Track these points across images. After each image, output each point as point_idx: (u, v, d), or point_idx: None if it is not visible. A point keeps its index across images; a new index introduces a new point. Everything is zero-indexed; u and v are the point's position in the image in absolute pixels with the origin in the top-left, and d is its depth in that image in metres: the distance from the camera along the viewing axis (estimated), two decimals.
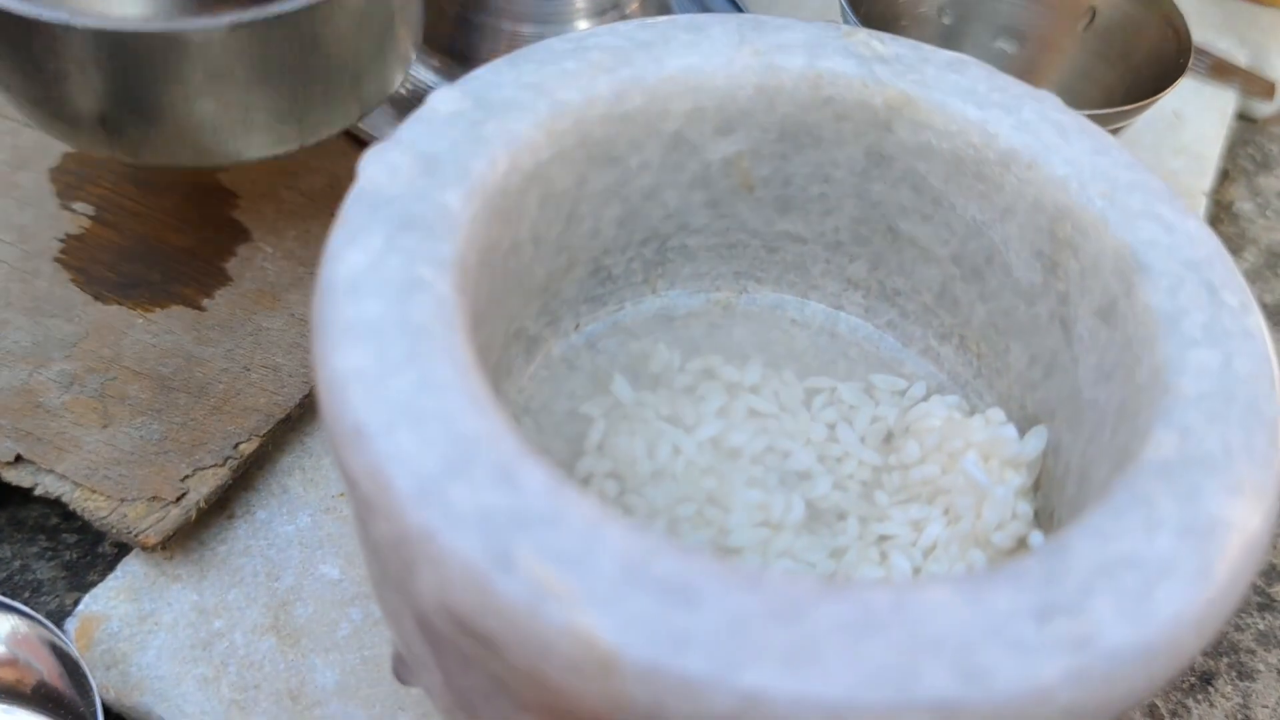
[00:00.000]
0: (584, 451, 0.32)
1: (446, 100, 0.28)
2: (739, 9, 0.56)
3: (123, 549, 0.38)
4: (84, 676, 0.32)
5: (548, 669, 0.19)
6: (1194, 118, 0.59)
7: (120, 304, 0.42)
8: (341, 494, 0.39)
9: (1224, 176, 0.60)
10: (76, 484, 0.36)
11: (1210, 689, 0.39)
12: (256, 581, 0.36)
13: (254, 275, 0.43)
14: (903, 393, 0.34)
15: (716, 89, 0.31)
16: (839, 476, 0.32)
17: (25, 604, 0.34)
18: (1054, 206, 0.29)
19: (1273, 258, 0.56)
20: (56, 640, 0.33)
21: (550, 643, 0.19)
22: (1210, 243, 0.28)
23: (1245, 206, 0.59)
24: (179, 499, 0.36)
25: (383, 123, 0.44)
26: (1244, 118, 0.62)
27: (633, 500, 0.31)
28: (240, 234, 0.45)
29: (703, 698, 0.19)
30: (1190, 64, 0.44)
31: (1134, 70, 0.47)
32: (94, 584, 0.37)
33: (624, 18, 0.49)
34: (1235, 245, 0.57)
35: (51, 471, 0.37)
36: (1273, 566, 0.43)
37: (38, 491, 0.37)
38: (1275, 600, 0.42)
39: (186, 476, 0.37)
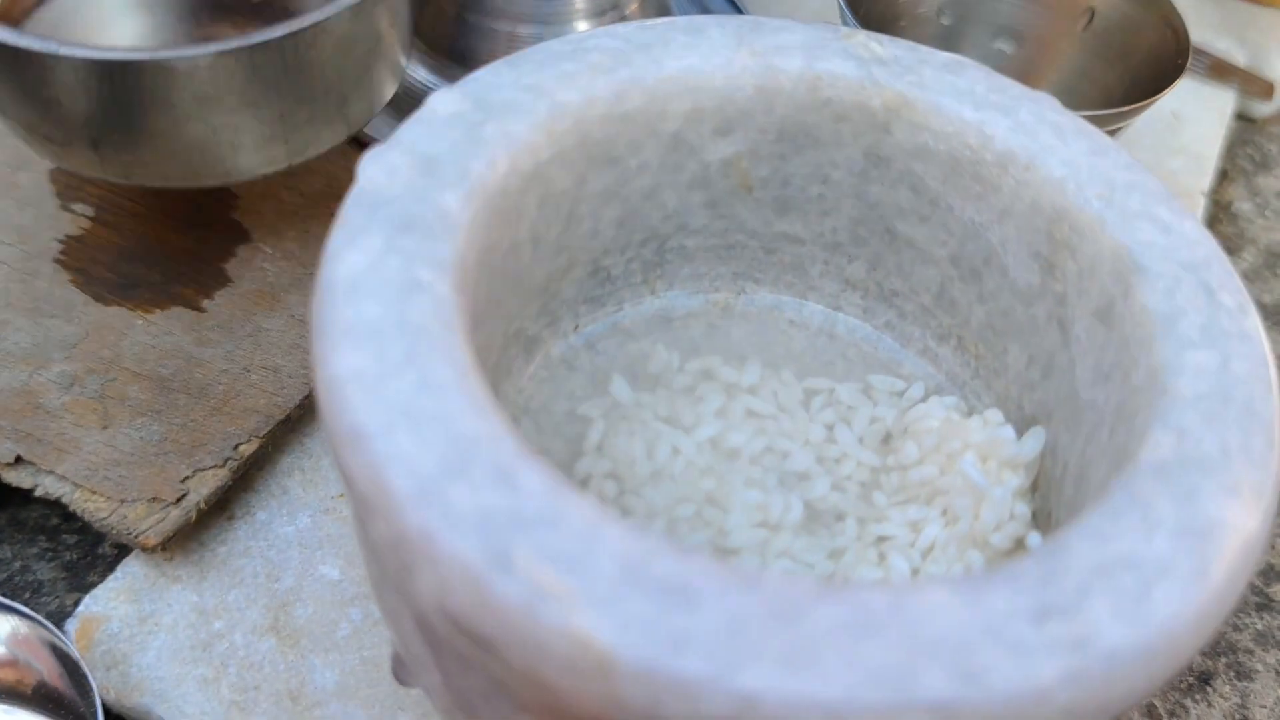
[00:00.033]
0: (583, 452, 0.32)
1: (446, 102, 0.28)
2: (738, 10, 0.56)
3: (123, 550, 0.38)
4: (84, 677, 0.32)
5: (546, 670, 0.19)
6: (1193, 118, 0.59)
7: (120, 305, 0.42)
8: (341, 495, 0.39)
9: (1223, 176, 0.60)
10: (76, 485, 0.37)
11: (1208, 689, 0.39)
12: (256, 582, 0.37)
13: (253, 276, 0.43)
14: (901, 394, 0.34)
15: (715, 90, 0.31)
16: (837, 477, 0.32)
17: (25, 605, 0.34)
18: (1051, 208, 0.29)
19: (1271, 258, 0.56)
20: (57, 641, 0.33)
21: (548, 644, 0.19)
22: (1208, 244, 0.28)
23: (1244, 206, 0.59)
24: (179, 500, 0.36)
25: (382, 124, 0.44)
26: (1243, 118, 0.62)
27: (631, 501, 0.31)
28: (240, 235, 0.45)
29: (701, 699, 0.19)
30: (1189, 64, 0.44)
31: (1132, 71, 0.47)
32: (94, 585, 0.37)
33: (623, 19, 0.49)
34: (1234, 245, 0.57)
35: (52, 473, 0.37)
36: (1270, 567, 0.44)
37: (38, 493, 0.37)
38: (1273, 600, 0.42)
39: (186, 478, 0.37)
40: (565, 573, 0.20)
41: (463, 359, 0.23)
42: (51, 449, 0.37)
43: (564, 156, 0.30)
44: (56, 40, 0.35)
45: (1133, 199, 0.28)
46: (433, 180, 0.26)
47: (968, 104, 0.30)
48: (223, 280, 0.43)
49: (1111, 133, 0.44)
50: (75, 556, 0.38)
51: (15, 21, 0.42)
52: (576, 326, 0.35)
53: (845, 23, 0.45)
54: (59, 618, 0.36)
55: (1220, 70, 0.61)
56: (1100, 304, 0.28)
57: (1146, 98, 0.43)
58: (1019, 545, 0.30)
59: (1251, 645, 0.41)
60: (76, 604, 0.36)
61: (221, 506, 0.38)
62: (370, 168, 0.26)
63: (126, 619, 0.35)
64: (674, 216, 0.34)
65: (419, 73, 0.50)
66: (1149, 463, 0.23)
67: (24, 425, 0.38)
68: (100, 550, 0.38)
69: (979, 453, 0.30)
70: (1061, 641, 0.20)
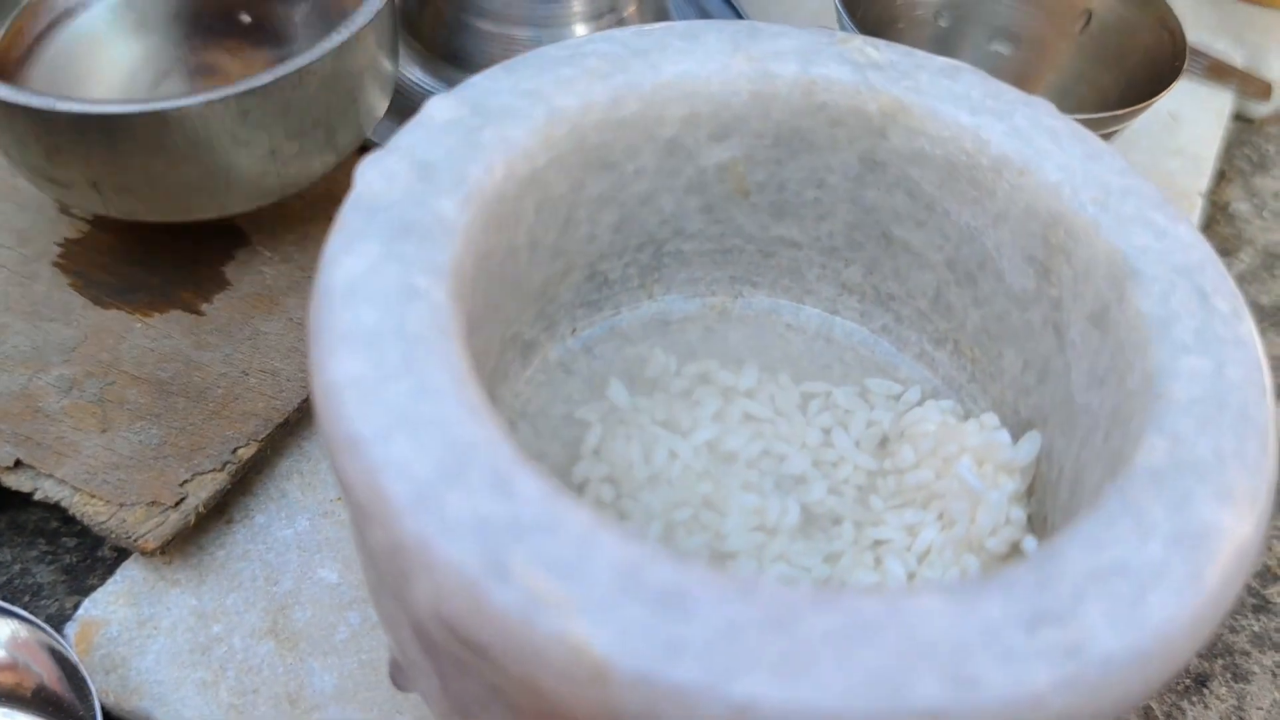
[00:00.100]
0: (580, 456, 0.32)
1: (443, 107, 0.28)
2: (736, 11, 0.56)
3: (122, 553, 0.38)
4: (83, 681, 0.33)
5: (542, 677, 0.20)
6: (1191, 119, 0.59)
7: (119, 308, 0.42)
8: (339, 498, 0.39)
9: (1220, 177, 0.60)
10: (76, 489, 0.37)
11: (1205, 691, 0.39)
12: (255, 586, 0.37)
13: (252, 279, 0.43)
14: (898, 397, 0.34)
15: (712, 95, 0.31)
16: (834, 481, 0.32)
17: (25, 608, 0.34)
18: (1047, 212, 0.29)
19: (1269, 258, 0.57)
20: (56, 645, 0.33)
21: (544, 652, 0.19)
22: (1202, 248, 0.28)
23: (1242, 207, 0.59)
24: (178, 504, 0.36)
25: (381, 127, 0.45)
26: (1241, 118, 0.63)
27: (628, 505, 0.31)
28: (238, 238, 0.45)
29: (696, 706, 0.19)
30: (1187, 65, 0.45)
31: (1129, 73, 0.47)
32: (93, 588, 0.37)
33: (620, 22, 0.49)
34: (1231, 246, 0.57)
35: (51, 476, 0.37)
36: (1267, 569, 0.44)
37: (37, 496, 0.37)
38: (1270, 602, 0.42)
39: (185, 481, 0.37)
40: (561, 580, 0.20)
41: (459, 365, 0.23)
42: (51, 452, 0.37)
43: (561, 161, 0.30)
44: (54, 95, 0.37)
45: (1127, 204, 0.28)
46: (430, 186, 0.26)
47: (963, 109, 0.30)
48: (221, 283, 0.43)
49: (1108, 135, 0.44)
50: (75, 559, 0.38)
51: (19, 56, 0.44)
52: (574, 330, 0.35)
53: (842, 25, 0.45)
54: (58, 620, 0.36)
55: (1218, 71, 0.61)
56: (1095, 308, 0.28)
57: (1143, 100, 0.43)
58: (1015, 550, 0.30)
59: (1248, 647, 0.41)
60: (76, 607, 0.36)
61: (220, 510, 0.38)
62: (368, 173, 0.27)
63: (125, 623, 0.36)
64: (671, 221, 0.34)
65: (415, 74, 0.50)
66: (1143, 468, 0.23)
67: (23, 429, 0.38)
68: (100, 553, 0.39)
69: (975, 457, 0.31)
70: (1055, 648, 0.20)
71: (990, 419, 0.32)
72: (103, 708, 0.33)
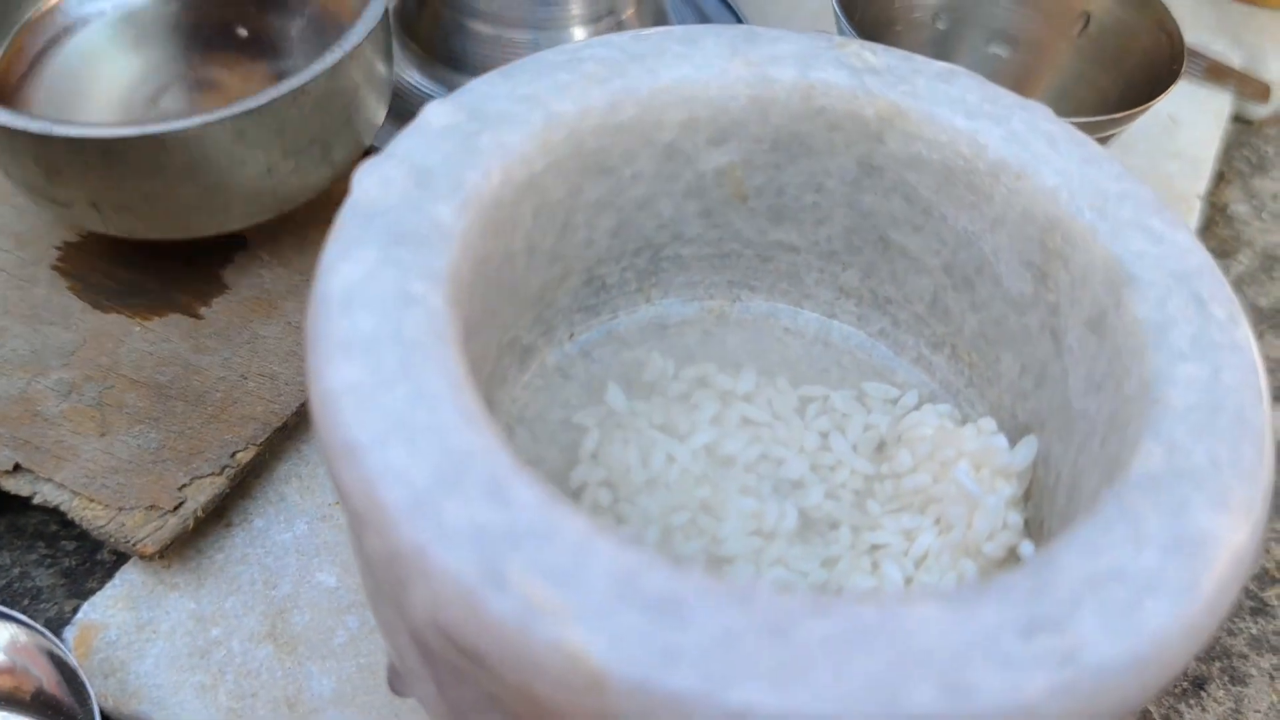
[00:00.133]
0: (578, 460, 0.32)
1: (440, 113, 0.28)
2: (735, 13, 0.56)
3: (121, 556, 0.38)
4: (82, 685, 0.33)
5: (538, 686, 0.20)
6: (1189, 121, 0.59)
7: (118, 312, 0.42)
8: (338, 502, 0.39)
9: (1219, 179, 0.60)
10: (75, 493, 0.37)
11: (1202, 694, 0.39)
12: (254, 589, 0.37)
13: (250, 283, 0.43)
14: (895, 401, 0.34)
15: (710, 100, 0.31)
16: (832, 485, 0.32)
17: (25, 611, 0.35)
18: (1044, 217, 0.29)
19: (1268, 260, 0.57)
20: (55, 649, 0.33)
21: (541, 660, 0.19)
22: (1199, 254, 0.28)
23: (1240, 209, 0.59)
24: (176, 508, 0.36)
25: (380, 131, 0.45)
26: (1240, 120, 0.63)
27: (626, 509, 0.31)
28: (237, 242, 0.45)
29: (692, 714, 0.19)
30: (1185, 67, 0.45)
31: (1128, 75, 0.47)
32: (93, 591, 0.37)
33: (619, 24, 0.49)
34: (1230, 248, 0.57)
35: (50, 480, 0.37)
36: (1265, 571, 0.44)
37: (36, 500, 0.37)
38: (1268, 605, 0.42)
39: (184, 485, 0.37)
40: (558, 588, 0.20)
41: (456, 372, 0.23)
42: (50, 456, 0.37)
43: (559, 167, 0.30)
44: (51, 119, 0.37)
45: (1125, 208, 0.28)
46: (427, 192, 0.26)
47: (960, 113, 0.30)
48: (220, 287, 0.43)
49: (1107, 138, 0.44)
50: (74, 563, 0.38)
51: (21, 73, 0.45)
52: (572, 334, 0.35)
53: (840, 27, 0.45)
54: (58, 624, 0.36)
55: (1217, 73, 0.61)
56: (1092, 314, 0.28)
57: (1142, 102, 0.43)
58: (1012, 554, 0.30)
59: (1246, 650, 0.41)
60: (75, 610, 0.36)
61: (219, 514, 0.38)
62: (365, 179, 0.27)
63: (124, 626, 0.36)
64: (669, 225, 0.34)
65: (414, 77, 0.51)
66: (1139, 474, 0.23)
67: (22, 433, 0.38)
68: (99, 556, 0.39)
69: (972, 461, 0.31)
70: (1050, 655, 0.20)
71: (988, 424, 0.32)
72: (102, 711, 0.33)
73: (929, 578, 0.29)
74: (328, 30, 0.48)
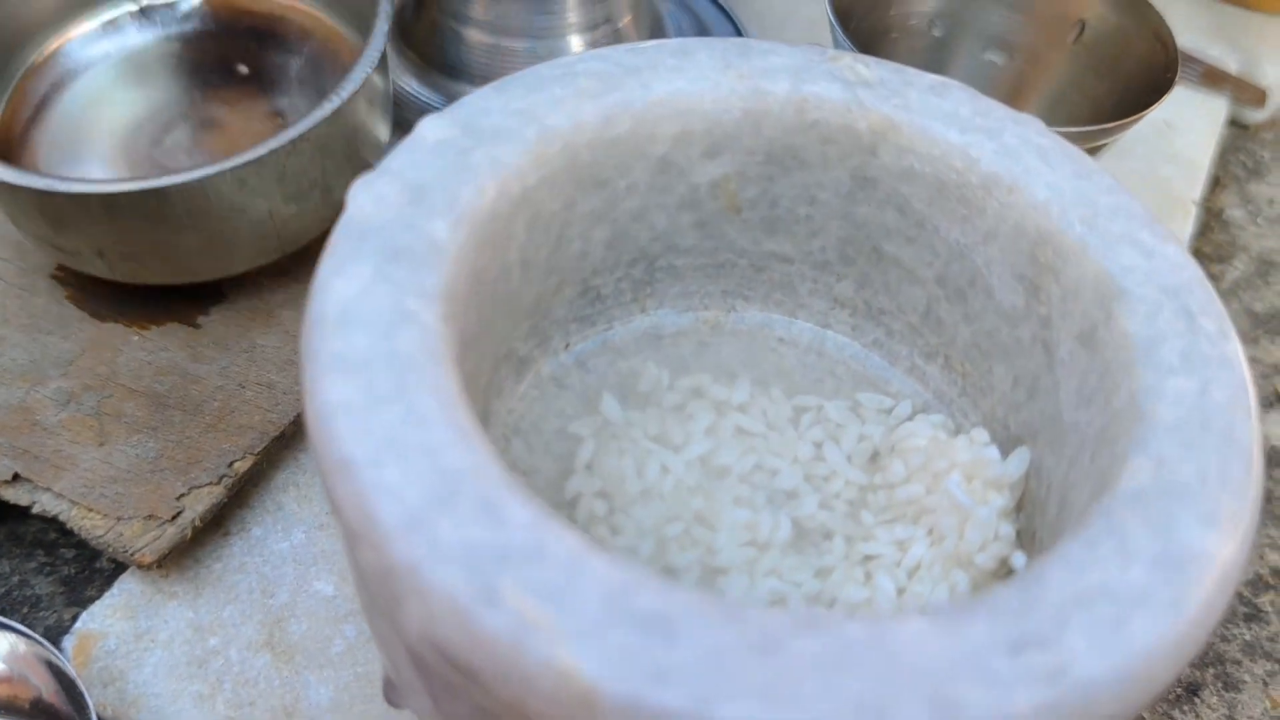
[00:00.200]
0: (573, 470, 0.33)
1: (434, 128, 0.29)
2: (732, 20, 0.56)
3: (120, 564, 0.38)
4: (81, 694, 0.33)
5: (530, 702, 0.20)
6: (1185, 126, 0.59)
7: (116, 321, 0.42)
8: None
9: (1215, 183, 0.60)
10: (73, 503, 0.37)
11: (1196, 700, 0.40)
12: (251, 598, 0.37)
13: (248, 292, 0.43)
14: (889, 411, 0.34)
15: (703, 113, 0.31)
16: (825, 495, 0.32)
17: (24, 619, 0.35)
18: (1035, 231, 0.29)
19: (1263, 265, 0.57)
20: (53, 658, 0.33)
21: (532, 677, 0.20)
22: (1190, 268, 0.28)
23: (1236, 214, 0.59)
24: (174, 517, 0.37)
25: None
26: (1236, 124, 0.63)
27: (621, 520, 0.31)
28: None
29: None
30: (1181, 72, 0.45)
31: (1123, 82, 0.47)
32: (92, 599, 0.37)
33: (616, 32, 0.49)
34: (1226, 253, 0.57)
35: (49, 490, 0.37)
36: (1259, 577, 0.44)
37: (35, 510, 0.37)
38: (1261, 610, 0.43)
39: (182, 495, 0.37)
40: (549, 606, 0.20)
41: (450, 389, 0.24)
42: (48, 466, 0.38)
43: (552, 180, 0.30)
44: (54, 176, 0.38)
45: (1116, 222, 0.29)
46: (421, 208, 0.27)
47: (953, 127, 0.31)
48: (218, 297, 0.43)
49: (1102, 146, 0.44)
50: (73, 571, 0.39)
51: (26, 118, 0.46)
52: (567, 345, 0.35)
53: (835, 36, 0.45)
54: (57, 632, 0.37)
55: (1213, 78, 0.61)
56: (1083, 328, 0.28)
57: (1137, 109, 0.43)
58: (1004, 565, 0.30)
59: (1239, 656, 0.41)
60: (74, 618, 0.37)
61: (217, 523, 0.39)
62: (360, 196, 0.27)
63: (123, 636, 0.36)
64: (663, 237, 0.34)
65: (411, 85, 0.51)
66: (1128, 490, 0.23)
67: (21, 442, 0.38)
68: (98, 564, 0.39)
69: (964, 472, 0.31)
70: (1037, 672, 0.20)
71: (980, 435, 0.32)
72: None
73: (921, 588, 0.30)
74: (326, 68, 0.49)
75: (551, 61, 0.31)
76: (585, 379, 0.35)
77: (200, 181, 0.38)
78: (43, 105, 0.46)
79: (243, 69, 0.49)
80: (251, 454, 0.39)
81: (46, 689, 0.34)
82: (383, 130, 0.45)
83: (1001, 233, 0.30)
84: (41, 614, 0.37)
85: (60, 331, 0.42)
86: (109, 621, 0.36)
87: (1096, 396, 0.27)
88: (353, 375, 0.23)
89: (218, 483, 0.38)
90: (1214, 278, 0.55)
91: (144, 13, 0.49)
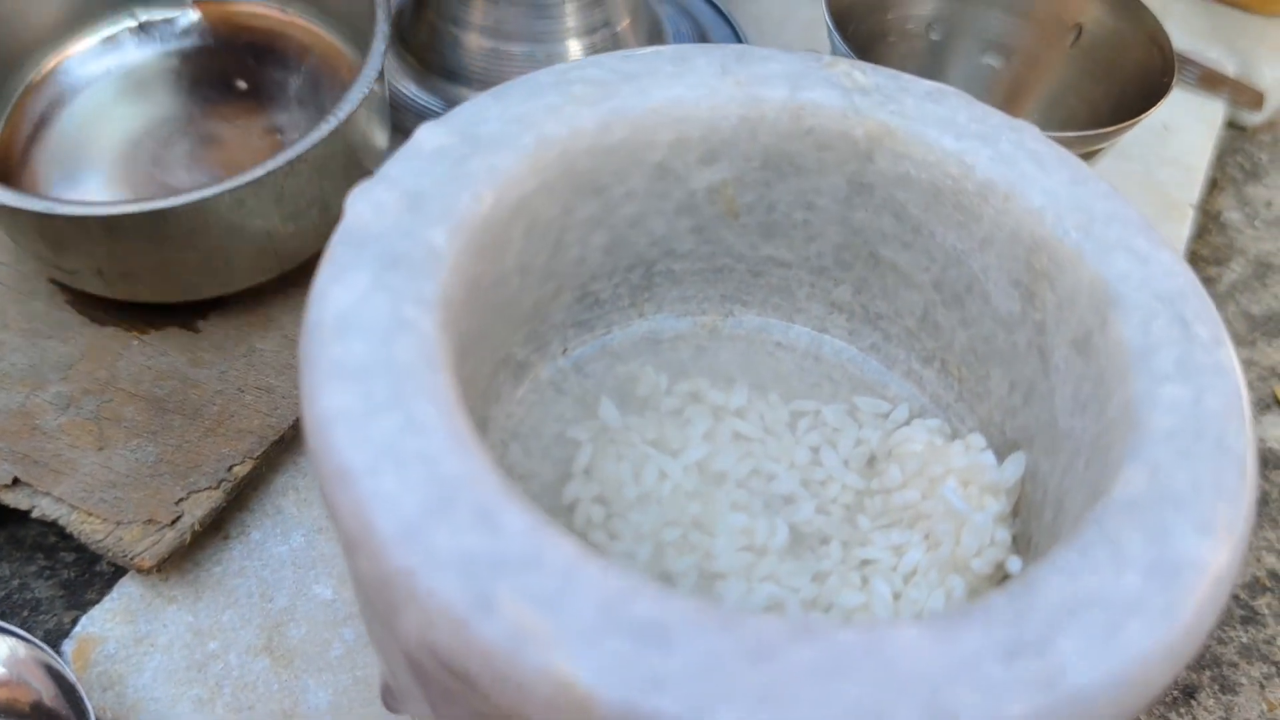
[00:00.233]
0: (571, 475, 0.33)
1: (431, 136, 0.29)
2: (730, 23, 0.56)
3: (120, 568, 0.38)
4: (80, 698, 0.33)
5: (527, 709, 0.20)
6: (1183, 128, 0.59)
7: (116, 326, 0.42)
8: None
9: (1213, 186, 0.60)
10: (73, 507, 0.37)
11: (1193, 703, 0.40)
12: (250, 602, 0.37)
13: (247, 297, 0.44)
14: (886, 415, 0.34)
15: (700, 119, 0.32)
16: (822, 500, 0.33)
17: (24, 623, 0.35)
18: (1031, 238, 0.29)
19: (1260, 268, 0.57)
20: (53, 663, 0.34)
21: (529, 684, 0.20)
22: (1185, 275, 0.28)
23: (1233, 216, 0.59)
24: (174, 522, 0.37)
25: None
26: (1233, 126, 0.63)
27: (618, 524, 0.32)
28: None
29: None
30: (1178, 74, 0.45)
31: (1120, 86, 0.48)
32: (92, 603, 0.37)
33: (615, 36, 0.49)
34: (1223, 255, 0.57)
35: (48, 494, 0.37)
36: (1256, 580, 0.44)
37: (35, 514, 0.37)
38: (1258, 613, 0.43)
39: (181, 499, 0.37)
40: (546, 613, 0.20)
41: (448, 397, 0.24)
42: (48, 470, 0.38)
43: (550, 187, 0.30)
44: (53, 199, 0.38)
45: (1111, 229, 0.29)
46: (419, 216, 0.27)
47: (949, 133, 0.31)
48: (217, 302, 0.43)
49: (1098, 150, 0.44)
50: (73, 574, 0.39)
51: (26, 136, 0.46)
52: (565, 350, 0.35)
53: (833, 40, 0.45)
54: (57, 635, 0.37)
55: (1210, 80, 0.61)
56: (1078, 334, 0.28)
57: (1134, 113, 0.43)
58: (1000, 570, 0.30)
59: (1236, 658, 0.41)
60: (74, 622, 0.37)
61: (216, 526, 0.39)
62: (357, 204, 0.27)
63: (123, 640, 0.36)
64: (661, 242, 0.34)
65: (410, 89, 0.51)
66: (1121, 498, 0.23)
67: (21, 446, 0.38)
68: (98, 568, 0.39)
69: (960, 478, 0.31)
70: (1032, 679, 0.20)
71: (976, 440, 0.32)
72: None
73: (917, 593, 0.30)
74: (325, 84, 0.49)
75: (549, 68, 0.31)
76: (583, 384, 0.35)
77: (199, 203, 0.38)
78: (42, 123, 0.47)
79: (241, 85, 0.49)
80: (251, 458, 0.39)
81: (46, 693, 0.34)
82: (381, 138, 0.45)
83: (997, 239, 0.30)
84: (41, 618, 0.38)
85: (60, 336, 0.42)
86: (109, 625, 0.36)
87: (1091, 403, 0.27)
88: (351, 383, 0.23)
89: (217, 487, 0.38)
90: (1211, 280, 0.55)
91: (143, 29, 0.49)
